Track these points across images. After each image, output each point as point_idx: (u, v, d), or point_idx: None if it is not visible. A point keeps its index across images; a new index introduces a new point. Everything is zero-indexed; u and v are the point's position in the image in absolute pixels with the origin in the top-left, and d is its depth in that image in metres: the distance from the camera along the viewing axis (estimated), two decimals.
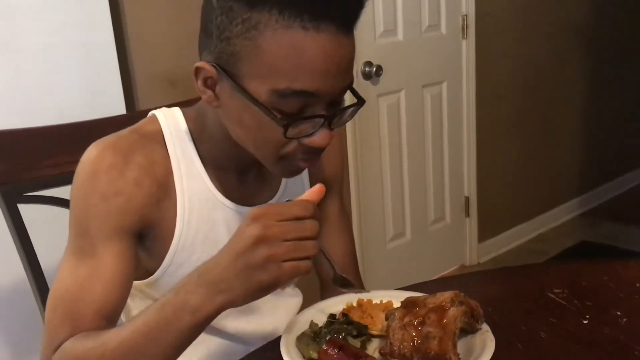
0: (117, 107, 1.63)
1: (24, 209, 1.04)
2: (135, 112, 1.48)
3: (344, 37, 0.72)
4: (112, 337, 0.74)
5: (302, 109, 0.73)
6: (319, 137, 0.75)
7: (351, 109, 0.79)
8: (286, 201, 0.69)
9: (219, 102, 0.78)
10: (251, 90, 0.73)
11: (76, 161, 0.83)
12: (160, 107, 0.91)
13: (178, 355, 0.73)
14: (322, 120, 0.74)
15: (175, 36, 1.76)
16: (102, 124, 1.11)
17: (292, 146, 0.76)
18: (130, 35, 1.73)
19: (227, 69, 0.74)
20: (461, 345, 0.77)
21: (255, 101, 0.72)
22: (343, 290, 0.85)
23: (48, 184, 1.06)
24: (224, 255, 0.67)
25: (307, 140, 0.75)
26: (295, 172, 0.83)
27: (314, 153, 0.78)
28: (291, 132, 0.73)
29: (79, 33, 1.56)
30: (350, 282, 0.84)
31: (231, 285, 0.66)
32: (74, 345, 0.76)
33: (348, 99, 0.82)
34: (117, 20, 1.68)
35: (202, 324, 0.69)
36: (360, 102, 0.79)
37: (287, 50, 0.70)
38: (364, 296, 0.88)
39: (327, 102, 0.74)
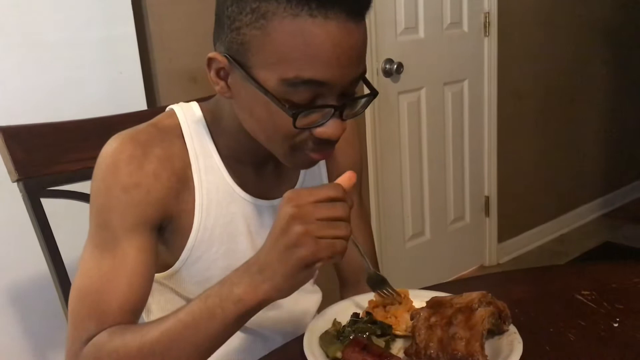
0: (138, 102, 1.64)
1: (46, 202, 1.04)
2: (156, 108, 1.48)
3: (353, 25, 0.71)
4: (153, 328, 0.73)
5: (313, 99, 0.73)
6: (330, 128, 0.74)
7: (364, 99, 0.78)
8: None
9: (231, 92, 0.78)
10: (261, 80, 0.72)
11: (98, 156, 0.83)
12: (179, 102, 0.91)
13: (219, 345, 0.73)
14: (332, 110, 0.73)
15: (196, 32, 1.76)
16: (123, 120, 1.10)
17: (302, 137, 0.76)
18: (152, 32, 1.73)
19: (238, 59, 0.74)
20: (488, 347, 0.75)
21: (265, 91, 0.72)
22: (376, 291, 0.85)
23: (70, 179, 1.07)
24: (265, 243, 0.69)
25: (317, 131, 0.74)
26: (307, 164, 0.82)
27: (326, 144, 0.77)
28: (301, 122, 0.72)
29: (101, 29, 1.57)
30: (386, 279, 0.83)
31: (274, 270, 0.67)
32: (110, 338, 0.76)
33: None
34: (139, 16, 1.68)
35: (246, 314, 0.70)
36: (373, 92, 0.78)
37: (295, 38, 0.69)
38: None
39: (339, 93, 0.73)
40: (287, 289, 0.68)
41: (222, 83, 0.78)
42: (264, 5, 0.70)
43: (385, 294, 0.86)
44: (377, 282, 0.84)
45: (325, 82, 0.71)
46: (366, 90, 0.79)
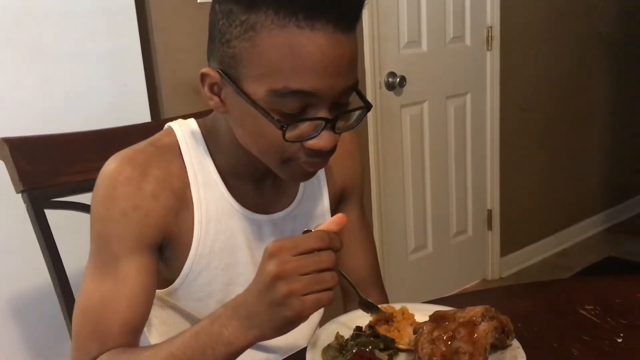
0: (142, 114, 1.65)
1: (50, 213, 1.04)
2: (160, 121, 1.49)
3: (342, 36, 0.71)
4: (148, 357, 0.74)
5: (303, 109, 0.72)
6: (321, 140, 0.73)
7: (357, 112, 0.78)
8: (304, 232, 0.68)
9: (225, 107, 0.78)
10: (250, 92, 0.72)
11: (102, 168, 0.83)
12: (178, 117, 0.91)
13: None
14: (324, 122, 0.73)
15: (200, 45, 1.75)
16: (127, 132, 1.11)
17: (294, 149, 0.75)
18: (156, 44, 1.74)
19: (229, 73, 0.74)
20: None
21: (254, 103, 0.72)
22: (369, 314, 0.85)
23: (74, 190, 1.07)
24: (252, 291, 0.68)
25: (309, 143, 0.74)
26: (302, 176, 0.81)
27: (319, 156, 0.76)
28: (291, 134, 0.72)
29: (106, 41, 1.58)
30: (376, 306, 0.84)
31: (260, 321, 0.68)
32: None
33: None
34: (143, 30, 1.69)
35: (236, 353, 0.71)
36: (367, 105, 0.78)
37: (283, 49, 0.69)
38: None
39: (330, 104, 0.73)
40: (276, 335, 0.69)
41: (216, 98, 0.78)
42: (253, 17, 0.70)
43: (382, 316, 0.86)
44: (367, 308, 0.84)
45: (314, 93, 0.71)
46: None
